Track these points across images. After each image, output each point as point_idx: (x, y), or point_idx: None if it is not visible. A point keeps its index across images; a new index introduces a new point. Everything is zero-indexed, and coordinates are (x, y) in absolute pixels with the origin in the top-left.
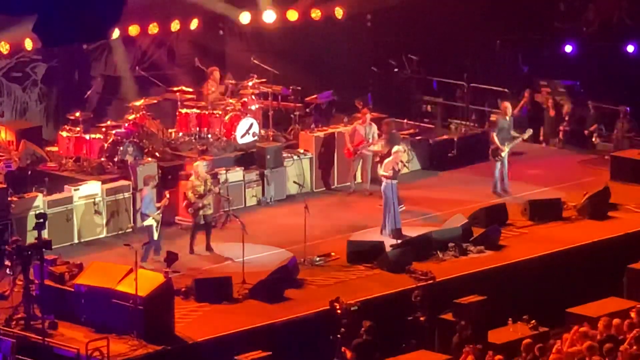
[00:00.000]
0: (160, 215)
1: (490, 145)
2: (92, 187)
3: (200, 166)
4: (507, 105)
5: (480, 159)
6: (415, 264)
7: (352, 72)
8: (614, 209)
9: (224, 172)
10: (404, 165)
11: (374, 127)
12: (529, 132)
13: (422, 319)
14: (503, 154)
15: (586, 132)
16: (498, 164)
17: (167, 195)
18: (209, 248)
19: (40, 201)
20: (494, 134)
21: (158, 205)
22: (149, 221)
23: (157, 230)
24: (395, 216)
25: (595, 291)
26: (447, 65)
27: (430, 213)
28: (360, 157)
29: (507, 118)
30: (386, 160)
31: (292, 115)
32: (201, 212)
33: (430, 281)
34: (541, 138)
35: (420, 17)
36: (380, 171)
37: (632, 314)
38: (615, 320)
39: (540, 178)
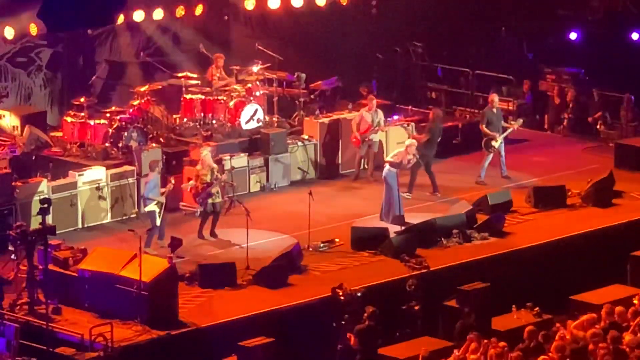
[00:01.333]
0: (164, 200)
1: (483, 137)
2: (97, 173)
3: (207, 155)
4: (494, 96)
5: None
6: (410, 252)
7: (357, 59)
8: (618, 196)
9: (228, 158)
10: (415, 157)
11: (380, 113)
12: (519, 121)
13: (416, 307)
14: (496, 145)
15: (590, 119)
16: (489, 156)
17: (172, 181)
18: (213, 234)
19: (44, 186)
20: (483, 126)
21: (163, 190)
22: (152, 206)
23: (159, 216)
24: (399, 203)
25: (598, 278)
26: (452, 52)
27: (435, 199)
28: (368, 143)
29: (494, 110)
30: (397, 150)
31: (296, 102)
32: (210, 200)
33: (424, 270)
34: (546, 126)
35: (425, 4)
36: (388, 157)
37: (636, 301)
38: (619, 308)
39: (544, 165)
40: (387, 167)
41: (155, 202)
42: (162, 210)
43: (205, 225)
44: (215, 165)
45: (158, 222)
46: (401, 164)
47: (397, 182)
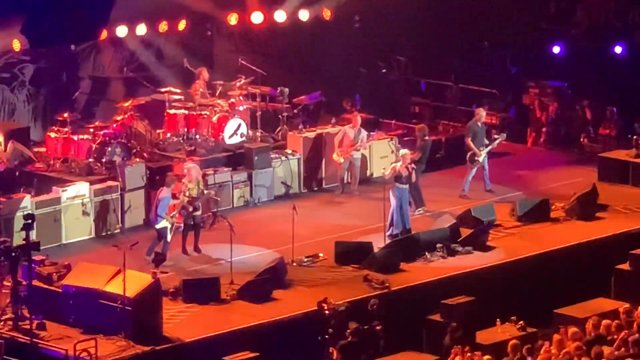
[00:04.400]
0: (176, 216)
1: (467, 151)
2: (80, 188)
3: (194, 169)
4: (481, 110)
5: None
6: (394, 267)
7: (340, 73)
8: (602, 209)
9: (212, 173)
10: (413, 169)
11: (364, 132)
12: (503, 136)
13: (378, 328)
14: (480, 159)
15: (574, 133)
16: (473, 170)
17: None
18: (197, 249)
19: (28, 202)
20: (469, 140)
21: (174, 203)
22: (163, 223)
23: (170, 232)
24: (404, 217)
25: (583, 292)
26: (435, 66)
27: (419, 213)
28: (349, 160)
29: (479, 124)
30: (393, 164)
31: (280, 116)
32: (190, 213)
33: (386, 290)
34: (528, 139)
35: (409, 18)
36: (386, 173)
37: (622, 315)
38: (605, 321)
39: (528, 179)
40: (394, 184)
41: (165, 219)
42: (174, 228)
43: (187, 240)
44: (201, 179)
45: (169, 238)
46: (403, 177)
47: (402, 197)
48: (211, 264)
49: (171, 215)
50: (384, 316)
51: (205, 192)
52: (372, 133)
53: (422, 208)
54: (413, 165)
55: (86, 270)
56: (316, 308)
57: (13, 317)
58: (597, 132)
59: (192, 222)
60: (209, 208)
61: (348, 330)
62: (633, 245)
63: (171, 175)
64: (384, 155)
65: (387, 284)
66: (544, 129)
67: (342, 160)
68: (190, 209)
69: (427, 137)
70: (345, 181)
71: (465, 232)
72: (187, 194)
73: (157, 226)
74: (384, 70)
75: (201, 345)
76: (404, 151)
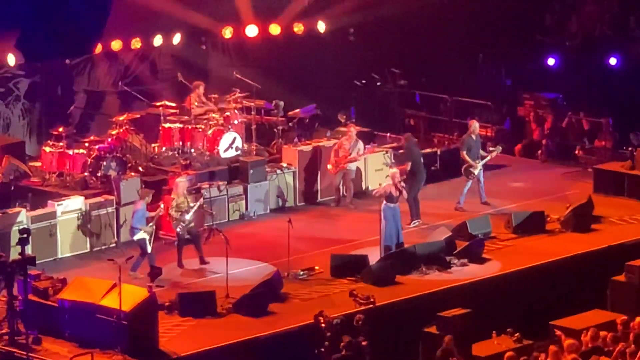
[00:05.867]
0: (153, 227)
1: (462, 164)
2: (76, 202)
3: (182, 183)
4: (474, 123)
5: None
6: (390, 279)
7: (335, 86)
8: (597, 221)
9: (207, 186)
10: (404, 188)
11: (360, 143)
12: (499, 149)
13: (364, 343)
14: (475, 172)
15: (569, 144)
16: (469, 182)
17: (162, 206)
18: (202, 261)
19: (23, 216)
20: (464, 153)
21: (152, 215)
22: (141, 234)
23: (150, 243)
24: (392, 236)
25: (579, 304)
26: (430, 78)
27: (415, 226)
28: (343, 171)
29: (474, 137)
30: (385, 183)
31: (275, 130)
32: (184, 226)
33: (371, 306)
34: (523, 151)
35: (403, 31)
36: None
37: (619, 327)
38: (602, 333)
39: (523, 191)
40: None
41: (143, 230)
42: (153, 238)
43: (182, 253)
44: (187, 194)
45: (149, 249)
46: (392, 196)
47: (392, 215)
48: (206, 277)
49: (149, 225)
50: (369, 332)
51: (192, 205)
52: (367, 146)
53: (418, 220)
54: (403, 184)
55: (82, 284)
56: (312, 321)
57: (9, 332)
58: (593, 144)
59: (187, 236)
60: (202, 222)
61: (342, 344)
62: (628, 256)
63: (146, 189)
64: (379, 168)
65: (373, 300)
66: (543, 141)
67: (334, 170)
68: (185, 223)
69: (413, 147)
70: (341, 194)
71: (460, 244)
72: (175, 208)
73: (135, 238)
74: (378, 84)
75: (197, 359)
76: (392, 170)
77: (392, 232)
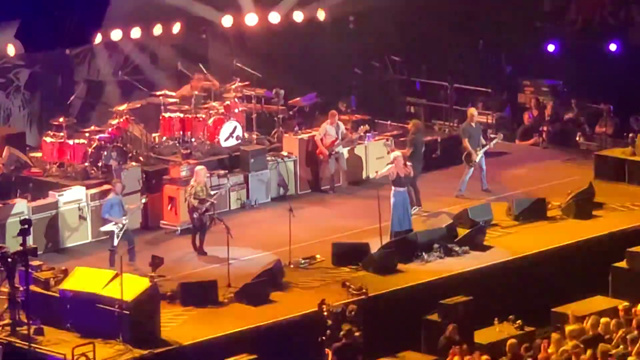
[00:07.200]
0: (127, 220)
1: (463, 151)
2: (77, 193)
3: (202, 171)
4: (473, 111)
5: None
6: (391, 267)
7: (335, 74)
8: (599, 207)
9: (209, 175)
10: (409, 168)
11: (342, 125)
12: (500, 136)
13: (357, 334)
14: (476, 160)
15: (570, 131)
16: (470, 170)
17: (143, 200)
18: (201, 251)
19: (24, 207)
20: (466, 141)
21: (131, 207)
22: (109, 226)
23: (117, 237)
24: (400, 221)
25: (580, 290)
26: (430, 66)
27: (416, 213)
28: (335, 156)
29: (473, 124)
30: (389, 165)
31: (275, 118)
32: (199, 214)
33: (363, 297)
34: (524, 138)
35: (403, 19)
36: (381, 171)
37: (621, 313)
38: (604, 319)
39: (524, 178)
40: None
41: (113, 222)
42: (122, 232)
43: (196, 239)
44: (206, 182)
45: (115, 243)
46: (402, 180)
47: (402, 200)
48: (208, 266)
49: (124, 217)
50: (367, 321)
51: (213, 192)
52: (369, 134)
53: (419, 208)
54: (409, 163)
55: (83, 274)
56: (313, 310)
57: (11, 323)
58: (593, 130)
59: (200, 223)
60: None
61: (342, 332)
62: (630, 242)
63: (116, 180)
64: (380, 156)
65: (365, 290)
66: (544, 128)
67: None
68: (203, 210)
69: (419, 134)
70: (335, 181)
71: (462, 231)
72: (194, 195)
73: (102, 229)
74: (375, 64)
75: (199, 349)
76: (395, 153)
77: (402, 217)
